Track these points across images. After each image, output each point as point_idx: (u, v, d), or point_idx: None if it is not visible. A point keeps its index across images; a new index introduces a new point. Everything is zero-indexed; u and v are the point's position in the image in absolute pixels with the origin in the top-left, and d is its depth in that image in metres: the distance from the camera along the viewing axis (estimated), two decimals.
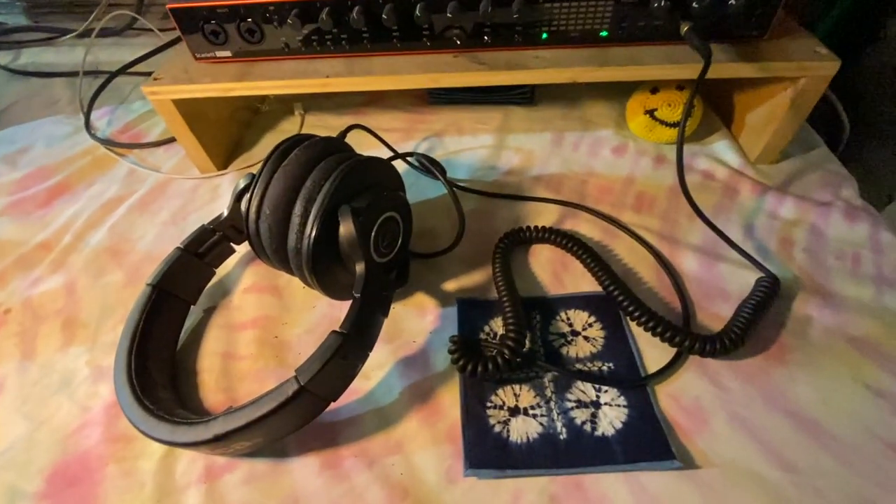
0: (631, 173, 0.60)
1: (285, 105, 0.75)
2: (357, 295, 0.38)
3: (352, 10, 0.49)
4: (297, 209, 0.39)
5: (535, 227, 0.51)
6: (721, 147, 0.62)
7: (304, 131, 0.73)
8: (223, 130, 0.66)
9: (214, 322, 0.48)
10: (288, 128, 0.72)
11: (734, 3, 0.46)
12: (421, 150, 0.66)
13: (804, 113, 0.53)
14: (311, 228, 0.38)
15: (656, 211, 0.55)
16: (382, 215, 0.43)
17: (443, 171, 0.58)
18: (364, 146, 0.57)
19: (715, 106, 0.66)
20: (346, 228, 0.39)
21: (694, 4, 0.47)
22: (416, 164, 0.61)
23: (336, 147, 0.45)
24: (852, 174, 0.58)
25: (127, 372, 0.40)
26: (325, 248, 0.39)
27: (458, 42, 0.52)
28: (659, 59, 0.51)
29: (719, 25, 0.50)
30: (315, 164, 0.41)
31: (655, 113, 0.60)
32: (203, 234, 0.47)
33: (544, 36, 0.51)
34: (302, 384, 0.34)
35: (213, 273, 0.49)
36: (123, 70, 0.76)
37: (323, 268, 0.40)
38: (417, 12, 0.48)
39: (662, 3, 0.47)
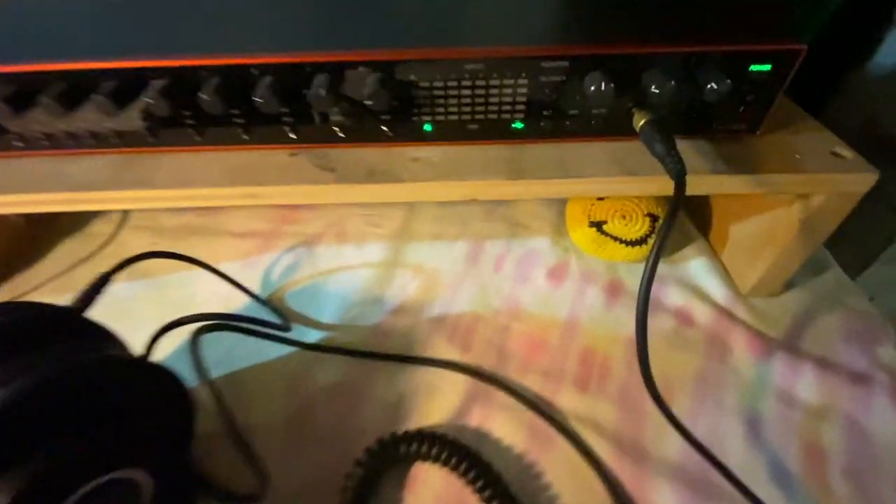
0: (574, 314, 0.41)
1: None
2: None
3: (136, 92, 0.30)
4: None
5: (419, 433, 0.32)
6: (698, 269, 0.44)
7: (124, 232, 0.53)
8: None
9: None
10: (99, 230, 0.51)
11: (711, 89, 0.29)
12: (281, 267, 0.46)
13: (819, 239, 0.36)
14: None
15: (611, 387, 0.36)
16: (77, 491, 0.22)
17: (282, 325, 0.38)
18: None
19: (685, 203, 0.49)
20: None
21: (652, 89, 0.30)
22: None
23: (38, 334, 0.25)
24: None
25: None
26: None
27: (293, 135, 0.34)
28: (604, 164, 0.33)
29: (692, 116, 0.33)
30: None
31: (604, 227, 0.42)
32: None
33: (427, 127, 0.33)
34: None
35: None
36: None
37: None
38: (205, 95, 0.29)
39: (603, 86, 0.29)
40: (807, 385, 0.35)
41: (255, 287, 0.44)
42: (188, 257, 0.40)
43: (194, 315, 0.32)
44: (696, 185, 0.31)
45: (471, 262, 0.46)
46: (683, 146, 0.30)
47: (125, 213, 0.52)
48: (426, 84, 0.30)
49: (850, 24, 0.46)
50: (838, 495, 0.30)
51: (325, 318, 0.41)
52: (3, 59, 0.29)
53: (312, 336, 0.40)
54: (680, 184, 0.27)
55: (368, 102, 0.29)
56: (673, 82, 0.29)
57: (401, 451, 0.31)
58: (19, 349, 0.24)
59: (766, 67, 0.30)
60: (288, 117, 0.32)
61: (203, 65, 0.29)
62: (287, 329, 0.39)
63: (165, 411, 0.27)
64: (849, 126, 0.36)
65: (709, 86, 0.29)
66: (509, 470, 0.31)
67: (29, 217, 0.50)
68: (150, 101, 0.29)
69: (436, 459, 0.31)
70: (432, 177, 0.32)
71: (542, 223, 0.49)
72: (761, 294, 0.41)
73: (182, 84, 0.29)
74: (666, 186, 0.31)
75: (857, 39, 0.46)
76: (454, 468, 0.30)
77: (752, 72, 0.30)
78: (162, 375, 0.27)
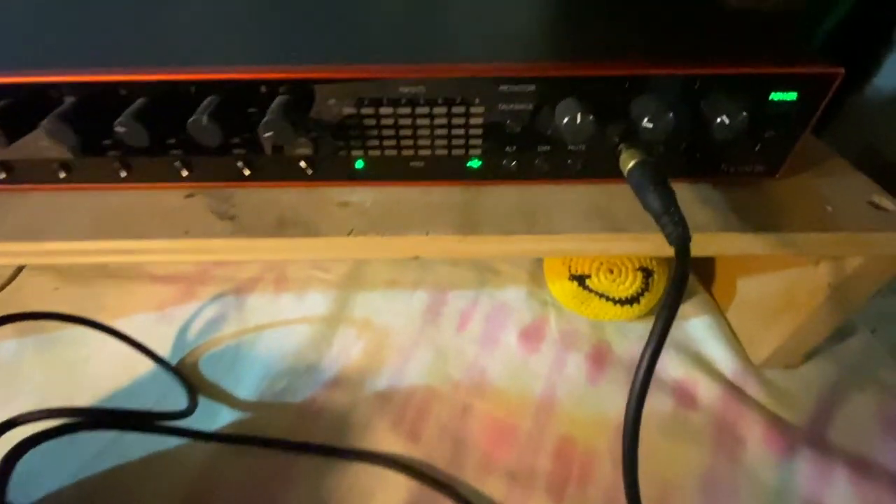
0: (550, 390, 0.33)
1: None
2: None
3: None
4: None
5: None
6: (700, 330, 0.37)
7: (23, 275, 0.43)
8: None
9: None
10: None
11: (722, 124, 0.22)
12: (202, 322, 0.39)
13: (852, 307, 0.29)
14: None
15: (594, 493, 0.28)
16: None
17: (175, 414, 0.30)
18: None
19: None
20: None
21: (645, 123, 0.23)
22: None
23: None
24: None
25: None
26: None
27: (185, 172, 0.26)
28: (582, 215, 0.25)
29: (696, 155, 0.26)
30: None
31: (588, 282, 0.35)
32: None
33: (359, 164, 0.26)
34: None
35: None
36: None
37: None
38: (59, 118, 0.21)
39: (580, 118, 0.23)
40: (840, 495, 0.28)
41: (166, 347, 0.37)
42: (72, 317, 0.33)
43: (36, 412, 0.24)
44: (702, 246, 0.24)
45: (430, 319, 0.38)
46: (684, 193, 0.23)
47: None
48: (351, 111, 0.24)
49: (849, 45, 0.40)
50: None
51: (244, 392, 0.33)
52: None
53: (223, 418, 0.32)
54: (682, 252, 0.20)
55: (267, 134, 0.22)
56: (671, 114, 0.22)
57: None
58: None
59: (791, 96, 0.23)
60: (175, 149, 0.25)
61: (64, 81, 0.22)
62: (188, 413, 0.31)
63: None
64: (847, 152, 0.29)
65: (718, 119, 0.22)
66: None
67: None
68: None
69: None
70: (362, 228, 0.24)
71: (516, 270, 0.42)
72: (777, 365, 0.34)
73: (36, 103, 0.22)
74: (662, 246, 0.24)
75: (856, 61, 0.40)
76: None
77: (774, 101, 0.23)
78: None
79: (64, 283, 0.42)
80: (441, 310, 0.39)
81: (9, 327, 0.37)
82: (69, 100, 0.22)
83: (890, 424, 0.31)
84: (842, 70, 0.22)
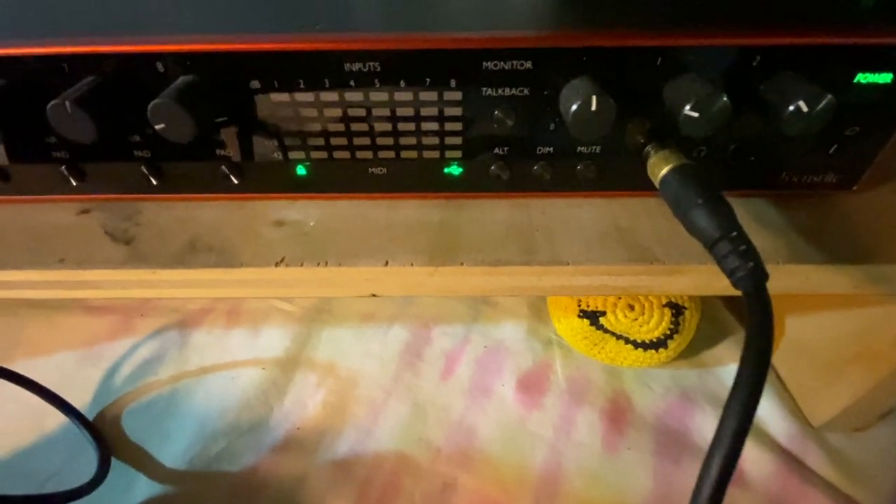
0: (555, 460, 0.26)
1: None
2: None
3: None
4: None
5: None
6: None
7: None
8: None
9: None
10: None
11: (795, 112, 0.16)
12: (135, 363, 0.32)
13: None
14: None
15: None
16: None
17: (92, 480, 0.23)
18: None
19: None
20: None
21: (687, 111, 0.17)
22: None
23: None
24: None
25: None
26: None
27: (74, 181, 0.20)
28: (596, 240, 0.19)
29: (749, 160, 0.19)
30: None
31: (602, 320, 0.28)
32: None
33: (301, 171, 0.20)
34: None
35: None
36: None
37: None
38: None
39: (595, 105, 0.16)
40: None
41: (87, 394, 0.30)
42: None
43: None
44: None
45: (408, 362, 0.31)
46: (735, 211, 0.17)
47: None
48: (283, 98, 0.18)
49: None
50: None
51: (170, 457, 0.27)
52: None
53: (138, 492, 0.25)
54: (757, 297, 0.13)
55: (158, 125, 0.16)
56: (724, 99, 0.16)
57: None
58: None
59: (885, 78, 0.17)
60: (57, 150, 0.19)
61: None
62: (93, 486, 0.24)
63: None
64: None
65: (792, 107, 0.16)
66: None
67: None
68: None
69: None
70: (297, 256, 0.18)
71: (515, 302, 0.35)
72: (844, 429, 0.27)
73: None
74: (709, 283, 0.18)
75: None
76: None
77: (860, 85, 0.17)
78: None
79: None
80: (422, 351, 0.32)
81: None
82: None
83: None
84: None
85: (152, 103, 0.15)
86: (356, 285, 0.18)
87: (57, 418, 0.29)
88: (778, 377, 0.30)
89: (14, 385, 0.29)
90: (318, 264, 0.18)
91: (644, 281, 0.18)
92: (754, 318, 0.12)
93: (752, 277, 0.13)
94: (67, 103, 0.15)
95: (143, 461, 0.27)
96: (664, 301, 0.27)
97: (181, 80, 0.16)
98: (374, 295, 0.19)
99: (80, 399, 0.30)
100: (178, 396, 0.30)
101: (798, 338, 0.29)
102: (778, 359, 0.31)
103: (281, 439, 0.27)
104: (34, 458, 0.28)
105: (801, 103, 0.15)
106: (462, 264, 0.18)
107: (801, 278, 0.18)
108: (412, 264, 0.18)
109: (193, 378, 0.31)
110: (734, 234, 0.14)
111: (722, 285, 0.16)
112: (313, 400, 0.29)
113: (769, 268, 0.17)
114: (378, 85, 0.17)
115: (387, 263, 0.18)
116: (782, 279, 0.18)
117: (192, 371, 0.31)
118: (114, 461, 0.27)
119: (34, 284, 0.19)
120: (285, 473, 0.26)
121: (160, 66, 0.17)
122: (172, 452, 0.27)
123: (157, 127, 0.16)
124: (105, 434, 0.28)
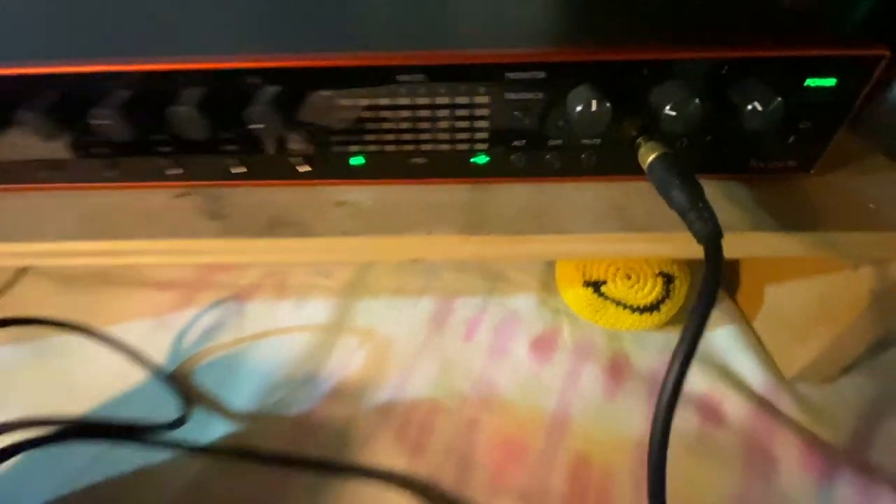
0: (564, 404, 0.31)
1: None
2: None
3: None
4: None
5: None
6: (725, 341, 0.34)
7: (25, 280, 0.40)
8: None
9: None
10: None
11: (753, 111, 0.20)
12: (200, 329, 0.37)
13: None
14: None
15: None
16: None
17: (178, 420, 0.29)
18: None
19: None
20: None
21: (667, 111, 0.21)
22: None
23: None
24: None
25: None
26: None
27: (177, 170, 0.25)
28: (598, 215, 0.23)
29: (722, 149, 0.23)
30: None
31: (603, 288, 0.33)
32: None
33: (356, 161, 0.25)
34: None
35: None
36: None
37: None
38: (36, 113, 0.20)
39: (595, 107, 0.21)
40: None
41: (162, 355, 0.35)
42: (65, 323, 0.32)
43: (20, 421, 0.23)
44: (731, 247, 0.22)
45: (435, 328, 0.36)
46: (710, 191, 0.21)
47: None
48: (347, 102, 0.22)
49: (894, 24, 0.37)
50: None
51: (240, 403, 0.32)
52: None
53: (216, 429, 0.30)
54: (713, 250, 0.18)
55: (257, 126, 0.20)
56: (697, 101, 0.20)
57: None
58: None
59: (829, 82, 0.21)
60: (163, 146, 0.24)
61: (44, 73, 0.21)
62: (179, 424, 0.29)
63: None
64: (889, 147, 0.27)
65: (749, 107, 0.20)
66: None
67: None
68: None
69: None
70: (358, 229, 0.23)
71: (527, 276, 0.40)
72: (812, 379, 0.31)
73: (16, 99, 0.21)
74: (686, 247, 0.22)
75: None
76: None
77: (809, 88, 0.21)
78: None
79: (63, 289, 0.41)
80: (447, 318, 0.37)
81: (4, 332, 0.36)
82: (52, 94, 0.21)
83: None
84: (887, 52, 0.20)
85: (252, 108, 0.20)
86: (405, 251, 0.23)
87: (140, 375, 0.34)
88: (756, 337, 0.34)
89: (96, 347, 0.34)
90: (375, 234, 0.23)
91: (635, 246, 0.23)
92: (710, 264, 0.17)
93: (711, 235, 0.17)
94: (185, 108, 0.20)
95: (216, 407, 0.32)
96: (657, 271, 0.32)
97: (269, 89, 0.21)
98: (418, 259, 0.23)
99: (156, 360, 0.35)
100: (240, 357, 0.35)
101: (773, 303, 0.33)
102: (757, 323, 0.35)
103: (330, 390, 0.32)
104: (124, 408, 0.33)
105: (756, 104, 0.20)
106: (488, 234, 0.23)
107: (761, 243, 0.22)
108: (449, 234, 0.23)
109: (251, 342, 0.36)
110: (700, 205, 0.18)
111: (696, 249, 0.20)
112: (356, 358, 0.34)
113: (736, 235, 0.22)
114: (422, 92, 0.22)
115: (429, 233, 0.22)
116: (745, 244, 0.22)
117: (250, 336, 0.36)
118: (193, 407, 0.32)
119: (147, 252, 0.23)
120: (336, 416, 0.31)
121: (252, 80, 0.21)
122: (241, 400, 0.32)
123: (254, 127, 0.20)
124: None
